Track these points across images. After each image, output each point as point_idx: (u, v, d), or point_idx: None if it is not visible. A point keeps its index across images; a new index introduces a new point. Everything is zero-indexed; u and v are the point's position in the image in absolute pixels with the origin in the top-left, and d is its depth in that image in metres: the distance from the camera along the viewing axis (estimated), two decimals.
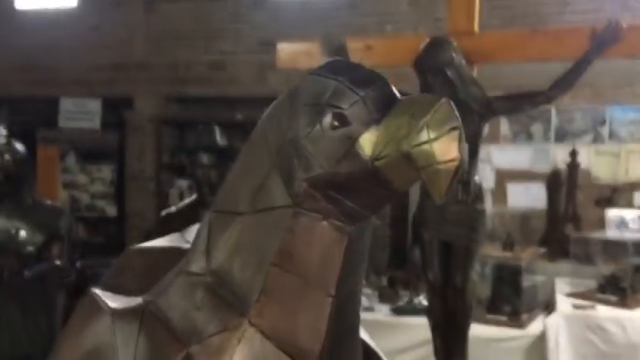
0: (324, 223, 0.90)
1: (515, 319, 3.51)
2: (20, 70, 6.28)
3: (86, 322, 1.02)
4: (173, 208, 2.78)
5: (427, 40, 2.58)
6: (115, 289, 1.07)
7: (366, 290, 3.75)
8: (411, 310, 3.63)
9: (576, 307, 3.53)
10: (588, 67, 2.54)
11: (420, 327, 3.14)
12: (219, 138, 2.56)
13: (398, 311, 3.69)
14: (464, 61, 2.57)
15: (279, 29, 5.05)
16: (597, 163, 5.07)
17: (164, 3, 5.99)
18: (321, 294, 0.90)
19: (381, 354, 1.10)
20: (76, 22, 6.11)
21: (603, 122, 5.07)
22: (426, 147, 0.83)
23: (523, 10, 5.09)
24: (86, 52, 6.13)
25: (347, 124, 0.88)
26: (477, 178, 2.64)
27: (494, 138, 5.05)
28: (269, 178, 0.94)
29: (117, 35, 6.08)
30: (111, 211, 6.19)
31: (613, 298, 3.59)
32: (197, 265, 0.98)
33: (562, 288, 3.85)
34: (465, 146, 0.86)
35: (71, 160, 6.25)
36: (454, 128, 0.85)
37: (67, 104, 6.08)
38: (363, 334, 1.05)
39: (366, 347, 1.05)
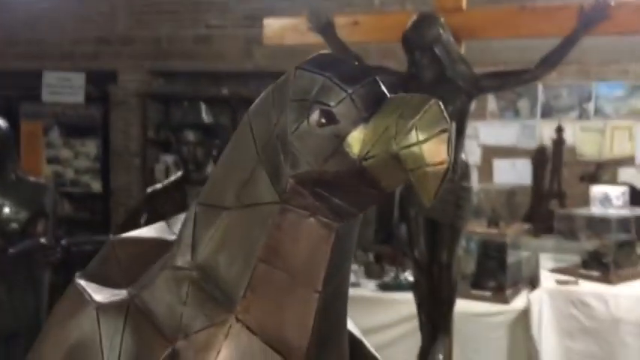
0: (312, 219, 0.89)
1: (500, 295, 3.56)
2: (3, 43, 6.17)
3: (71, 315, 1.01)
4: (159, 185, 2.76)
5: (415, 16, 2.56)
6: (100, 279, 1.06)
7: (353, 266, 3.77)
8: (397, 286, 3.67)
9: (560, 282, 3.57)
10: (576, 45, 2.53)
11: (405, 302, 3.17)
12: (205, 115, 2.53)
13: (384, 287, 3.72)
14: (452, 38, 2.56)
15: (266, 3, 4.99)
16: (582, 139, 5.10)
17: None
18: (308, 290, 0.89)
19: (367, 343, 1.10)
20: None
21: (589, 99, 5.09)
22: (414, 149, 0.82)
23: None
24: (69, 25, 6.03)
25: (334, 122, 0.86)
26: (463, 155, 2.65)
27: (481, 114, 5.06)
28: (255, 173, 0.92)
29: (100, 8, 5.98)
30: (96, 186, 6.15)
31: (596, 273, 3.64)
32: (183, 259, 0.97)
33: (546, 263, 3.90)
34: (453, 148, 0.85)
35: (55, 134, 6.18)
36: (443, 130, 0.83)
37: (50, 78, 5.99)
38: (350, 325, 1.05)
39: (351, 337, 1.05)
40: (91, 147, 6.13)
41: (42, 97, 5.99)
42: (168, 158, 5.64)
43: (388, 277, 3.82)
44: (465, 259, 3.56)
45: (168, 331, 0.93)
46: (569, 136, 4.81)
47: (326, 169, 0.86)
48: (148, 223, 2.70)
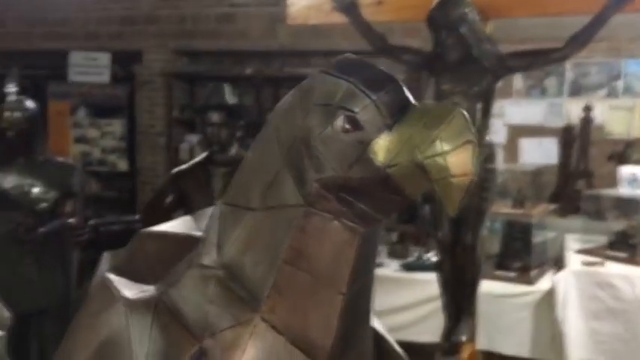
0: (336, 223, 0.89)
1: (525, 276, 3.54)
2: (29, 23, 6.22)
3: (100, 310, 1.03)
4: (184, 166, 2.78)
5: None
6: (128, 274, 1.07)
7: None
8: (421, 266, 3.66)
9: (585, 263, 3.54)
10: (606, 23, 2.48)
11: (429, 283, 3.17)
12: (229, 96, 2.54)
13: (407, 267, 3.72)
14: (478, 18, 2.51)
15: None
16: (611, 117, 5.00)
17: None
18: (332, 292, 0.90)
19: (392, 340, 1.10)
20: None
21: (618, 76, 4.98)
22: (439, 159, 0.82)
23: None
24: (94, 5, 6.05)
25: (359, 129, 0.86)
26: (488, 137, 2.62)
27: (507, 92, 4.98)
28: (280, 175, 0.92)
29: None
30: (122, 165, 6.21)
31: (622, 254, 3.60)
32: (209, 258, 0.98)
33: (572, 244, 3.86)
34: (478, 159, 0.85)
35: (82, 114, 6.24)
36: (468, 141, 0.83)
37: (76, 58, 6.03)
38: (374, 322, 1.06)
39: (376, 334, 1.06)
40: (117, 126, 6.19)
41: (68, 77, 6.04)
42: (193, 138, 5.68)
43: (412, 258, 3.82)
44: (490, 240, 3.54)
45: (195, 330, 0.95)
46: (597, 115, 4.72)
47: (350, 174, 0.86)
48: (173, 203, 2.74)
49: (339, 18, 2.79)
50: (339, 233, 0.89)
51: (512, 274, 3.56)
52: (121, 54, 5.98)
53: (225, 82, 5.61)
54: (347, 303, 0.90)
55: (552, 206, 4.12)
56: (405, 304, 3.55)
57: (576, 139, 4.56)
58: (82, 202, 3.07)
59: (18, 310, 2.73)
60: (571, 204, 4.28)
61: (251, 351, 0.90)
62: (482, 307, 3.09)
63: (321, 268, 0.90)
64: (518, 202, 3.81)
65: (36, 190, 3.02)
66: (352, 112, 0.86)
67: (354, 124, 0.85)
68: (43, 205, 3.01)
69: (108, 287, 1.04)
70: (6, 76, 3.22)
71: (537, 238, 3.67)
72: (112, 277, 1.06)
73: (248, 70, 5.70)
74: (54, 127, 5.89)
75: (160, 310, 0.98)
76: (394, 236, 4.11)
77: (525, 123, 5.10)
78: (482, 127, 2.58)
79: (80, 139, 6.23)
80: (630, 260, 3.54)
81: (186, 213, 2.81)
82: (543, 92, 5.14)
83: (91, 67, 6.02)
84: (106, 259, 4.15)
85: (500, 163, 3.58)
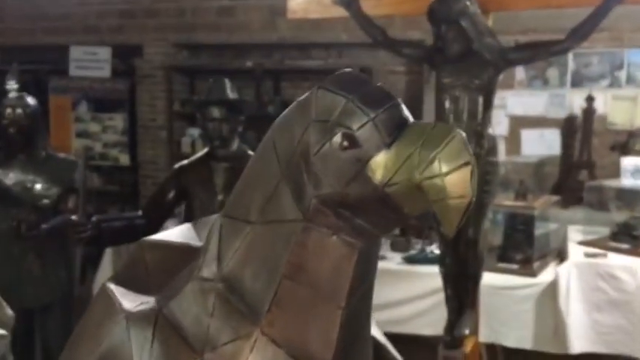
0: (334, 238, 0.89)
1: (527, 267, 3.54)
2: (30, 17, 6.21)
3: (102, 322, 1.03)
4: (185, 162, 2.77)
5: None
6: (129, 283, 1.07)
7: None
8: (423, 259, 3.66)
9: (588, 255, 3.54)
10: (607, 15, 2.46)
11: (431, 276, 3.17)
12: (230, 91, 2.53)
13: (410, 260, 3.73)
14: (479, 11, 2.50)
15: None
16: (614, 108, 4.98)
17: None
18: (332, 306, 0.90)
19: (391, 347, 1.11)
20: None
21: (621, 66, 4.96)
22: (437, 180, 0.82)
23: None
24: None
25: (357, 146, 0.85)
26: (490, 130, 2.61)
27: (509, 83, 4.96)
28: (279, 189, 0.92)
29: None
30: (124, 159, 6.22)
31: (625, 246, 3.60)
32: (208, 271, 0.98)
33: (575, 235, 3.86)
34: (476, 181, 0.84)
35: (83, 109, 6.24)
36: (466, 163, 0.82)
37: (76, 52, 6.02)
38: (374, 330, 1.06)
39: (375, 342, 1.06)
40: (119, 121, 6.19)
41: (69, 71, 6.04)
42: (195, 131, 5.67)
43: (414, 250, 3.82)
44: (492, 232, 3.54)
45: (195, 343, 0.95)
46: (599, 105, 4.71)
47: (348, 191, 0.86)
48: (175, 199, 2.74)
49: (339, 12, 2.78)
50: (338, 248, 0.89)
51: (514, 266, 3.56)
52: (121, 48, 5.97)
53: (226, 75, 5.59)
54: (346, 317, 0.90)
55: (555, 198, 4.11)
56: (408, 297, 3.56)
57: (578, 130, 4.55)
58: (83, 198, 3.07)
59: (21, 306, 2.75)
60: (573, 195, 4.27)
61: None
62: (485, 299, 3.09)
63: (321, 282, 0.90)
64: (521, 194, 3.81)
65: (38, 186, 3.03)
66: (350, 129, 0.86)
67: (352, 141, 0.85)
68: (45, 201, 3.02)
69: (110, 297, 1.04)
70: (6, 71, 3.21)
71: (540, 229, 3.66)
72: (113, 287, 1.06)
73: (248, 63, 5.69)
74: (55, 122, 5.89)
75: (161, 324, 0.98)
76: (396, 229, 4.11)
77: (527, 114, 5.08)
78: (484, 120, 2.57)
79: (82, 134, 6.23)
80: (633, 252, 3.54)
81: (187, 208, 2.82)
82: (545, 83, 5.13)
83: (91, 62, 6.01)
84: (108, 255, 4.15)
85: (502, 154, 3.58)
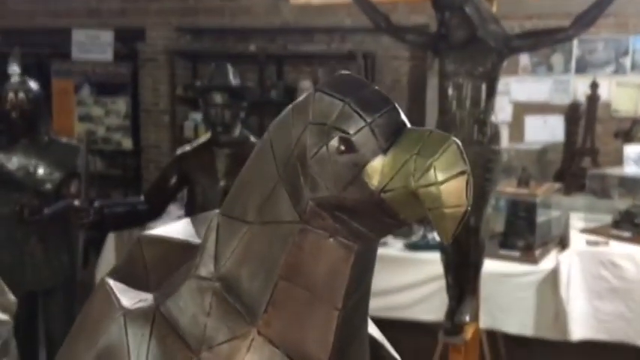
0: (331, 240, 0.89)
1: (529, 255, 3.54)
2: (31, 1, 6.18)
3: (100, 319, 1.04)
4: (188, 147, 2.77)
5: None
6: (127, 279, 1.08)
7: None
8: (425, 246, 3.67)
9: (590, 243, 3.54)
10: (611, 3, 2.44)
11: (432, 262, 3.18)
12: (232, 77, 2.52)
13: (411, 246, 3.73)
14: None
15: None
16: (618, 95, 4.96)
17: None
18: (329, 307, 0.90)
19: (388, 345, 1.11)
20: None
21: (626, 53, 4.93)
22: (432, 189, 0.81)
23: None
24: None
25: (354, 151, 0.85)
26: (493, 118, 2.60)
27: (513, 69, 4.94)
28: (276, 190, 0.92)
29: None
30: (127, 143, 6.22)
31: (627, 234, 3.60)
32: (206, 270, 0.99)
33: (577, 223, 3.85)
34: (472, 190, 0.84)
35: (85, 92, 6.23)
36: (462, 172, 0.82)
37: (79, 36, 6.00)
38: (371, 328, 1.06)
39: (372, 340, 1.06)
40: (121, 105, 6.18)
41: (72, 55, 6.02)
42: (197, 116, 5.67)
43: (416, 237, 3.82)
44: (494, 219, 3.54)
45: (192, 342, 0.96)
46: (604, 92, 4.68)
47: (345, 195, 0.86)
48: (176, 185, 2.74)
49: None
50: (335, 250, 0.89)
51: (516, 254, 3.56)
52: (123, 31, 5.95)
53: (229, 59, 5.58)
54: (343, 318, 0.91)
55: (557, 185, 4.10)
56: (409, 283, 3.57)
57: (582, 117, 4.53)
58: (86, 183, 3.08)
59: (24, 291, 2.77)
60: (576, 182, 4.26)
61: None
62: (486, 286, 3.10)
63: (318, 283, 0.91)
64: (523, 181, 3.80)
65: (40, 171, 3.03)
66: (347, 133, 0.85)
67: (349, 145, 0.85)
68: (48, 186, 3.02)
69: (108, 294, 1.04)
70: (8, 55, 3.19)
71: (542, 217, 3.65)
72: (112, 282, 1.07)
73: (251, 48, 5.67)
74: (58, 106, 5.89)
75: (158, 321, 0.98)
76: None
77: (531, 100, 5.07)
78: (487, 108, 2.56)
79: (84, 118, 6.23)
80: (634, 240, 3.54)
81: (189, 194, 2.83)
82: (549, 69, 5.10)
83: (94, 45, 5.99)
84: (111, 240, 4.15)
85: (505, 141, 3.57)
